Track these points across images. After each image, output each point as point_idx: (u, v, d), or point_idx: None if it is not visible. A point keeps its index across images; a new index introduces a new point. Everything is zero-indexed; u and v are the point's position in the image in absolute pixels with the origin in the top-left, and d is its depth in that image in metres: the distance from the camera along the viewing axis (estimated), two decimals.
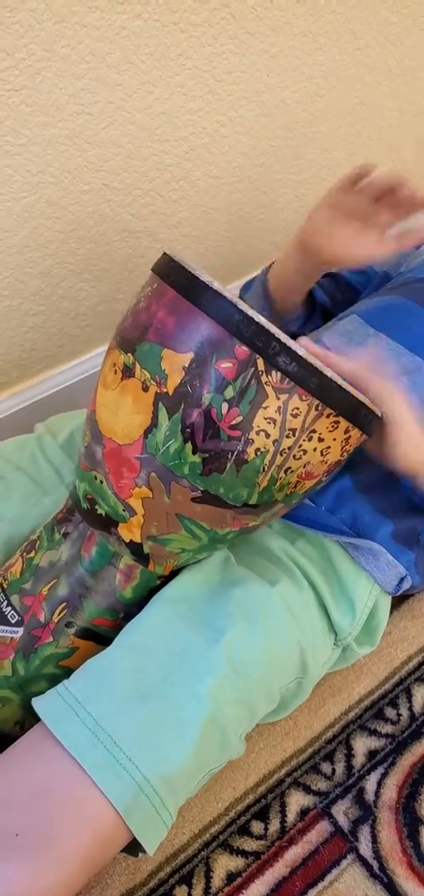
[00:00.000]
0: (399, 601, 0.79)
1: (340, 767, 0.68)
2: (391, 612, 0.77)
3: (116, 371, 0.54)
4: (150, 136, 0.84)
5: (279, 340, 0.49)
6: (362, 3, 0.94)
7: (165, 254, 0.55)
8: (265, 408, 0.50)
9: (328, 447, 0.53)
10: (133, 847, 0.55)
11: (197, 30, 0.81)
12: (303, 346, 0.52)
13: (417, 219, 0.69)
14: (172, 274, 0.52)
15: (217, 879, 0.62)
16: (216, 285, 0.50)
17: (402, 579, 0.67)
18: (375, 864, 0.62)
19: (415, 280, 0.82)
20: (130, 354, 0.53)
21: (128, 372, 0.53)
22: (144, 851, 0.54)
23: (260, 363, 0.49)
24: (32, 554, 0.61)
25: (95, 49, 0.75)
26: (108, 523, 0.57)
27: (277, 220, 1.03)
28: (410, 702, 0.72)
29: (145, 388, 0.52)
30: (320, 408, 0.50)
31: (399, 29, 1.01)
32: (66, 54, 0.74)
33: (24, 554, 0.62)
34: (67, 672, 0.58)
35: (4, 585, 0.61)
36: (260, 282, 0.82)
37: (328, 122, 1.00)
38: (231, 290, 0.65)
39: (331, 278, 0.95)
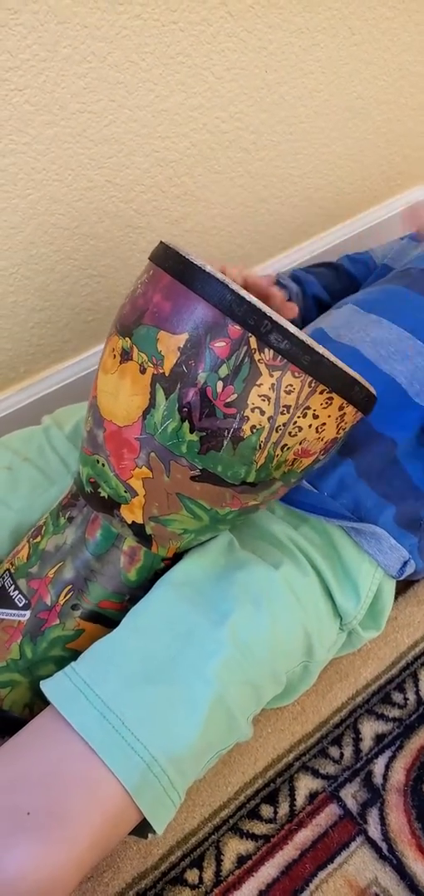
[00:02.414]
0: (404, 587, 0.80)
1: (348, 751, 0.68)
2: (396, 598, 0.77)
3: (114, 356, 0.56)
4: (151, 133, 0.85)
5: (270, 318, 0.50)
6: (357, 0, 0.95)
7: (161, 242, 0.56)
8: (259, 385, 0.51)
9: (324, 424, 0.53)
10: (142, 829, 0.55)
11: (196, 28, 0.83)
12: None
13: None
14: (167, 260, 0.54)
15: (228, 862, 0.62)
16: (209, 268, 0.51)
17: (405, 563, 0.67)
18: (384, 847, 0.62)
19: (413, 269, 0.83)
20: (127, 339, 0.54)
21: (126, 356, 0.54)
22: (153, 832, 0.55)
23: (253, 341, 0.50)
24: (39, 539, 0.62)
25: (97, 49, 0.77)
26: (110, 505, 0.58)
27: (277, 215, 1.04)
28: (417, 686, 0.72)
29: (143, 371, 0.53)
30: (313, 384, 0.51)
31: (396, 24, 1.02)
32: (68, 54, 0.75)
33: (31, 539, 0.63)
34: (74, 654, 0.59)
35: (12, 570, 0.62)
36: None
37: (327, 117, 1.01)
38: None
39: (331, 268, 0.95)
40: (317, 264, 0.97)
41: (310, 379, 0.51)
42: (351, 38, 0.97)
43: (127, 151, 0.84)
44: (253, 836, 0.64)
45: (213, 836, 0.64)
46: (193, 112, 0.87)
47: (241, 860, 0.62)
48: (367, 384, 0.55)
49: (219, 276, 0.51)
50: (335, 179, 1.08)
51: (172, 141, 0.87)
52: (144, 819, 0.53)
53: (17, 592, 0.61)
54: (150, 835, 0.56)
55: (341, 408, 0.53)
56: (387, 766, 0.67)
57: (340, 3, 0.94)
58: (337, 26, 0.95)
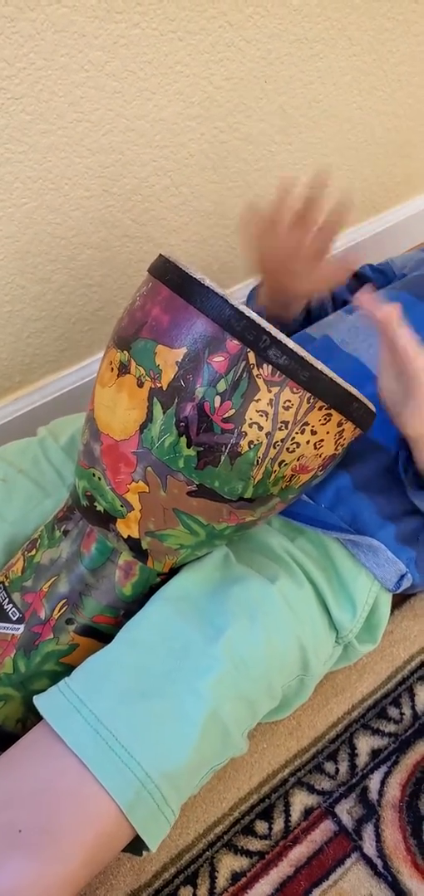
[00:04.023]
0: (400, 601, 0.79)
1: (343, 767, 0.68)
2: (392, 612, 0.77)
3: (112, 369, 0.55)
4: (149, 142, 0.85)
5: (269, 334, 0.50)
6: (357, 10, 0.95)
7: (160, 255, 0.56)
8: (257, 400, 0.51)
9: (322, 440, 0.53)
10: (136, 845, 0.55)
11: (195, 38, 0.83)
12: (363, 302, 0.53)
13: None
14: (166, 273, 0.53)
15: (222, 879, 0.62)
16: (208, 282, 0.51)
17: (402, 576, 0.67)
18: (379, 863, 0.62)
19: (421, 276, 0.83)
20: (125, 352, 0.54)
21: (124, 369, 0.54)
22: (147, 849, 0.54)
23: (251, 357, 0.50)
24: (33, 552, 0.62)
25: (94, 58, 0.77)
26: (106, 519, 0.58)
27: None
28: (412, 701, 0.72)
29: (140, 384, 0.53)
30: (311, 400, 0.51)
31: (395, 35, 1.02)
32: (65, 63, 0.75)
33: (26, 552, 0.63)
34: (68, 669, 0.59)
35: (6, 584, 0.61)
36: (253, 301, 0.84)
37: (326, 128, 1.01)
38: (231, 295, 0.65)
39: (352, 276, 0.95)
40: None
41: (309, 395, 0.51)
42: (351, 48, 0.97)
43: (125, 161, 0.84)
44: (248, 853, 0.63)
45: (207, 853, 0.63)
46: (191, 122, 0.87)
47: (235, 877, 0.62)
48: (366, 400, 0.54)
49: (218, 290, 0.51)
50: (333, 190, 1.08)
51: (170, 150, 0.87)
52: (138, 835, 0.53)
53: (11, 606, 0.60)
54: (144, 851, 0.56)
55: (339, 424, 0.53)
56: (383, 782, 0.67)
57: (340, 14, 0.94)
58: (337, 37, 0.95)
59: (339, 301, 0.90)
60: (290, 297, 0.79)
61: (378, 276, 0.94)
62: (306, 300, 0.83)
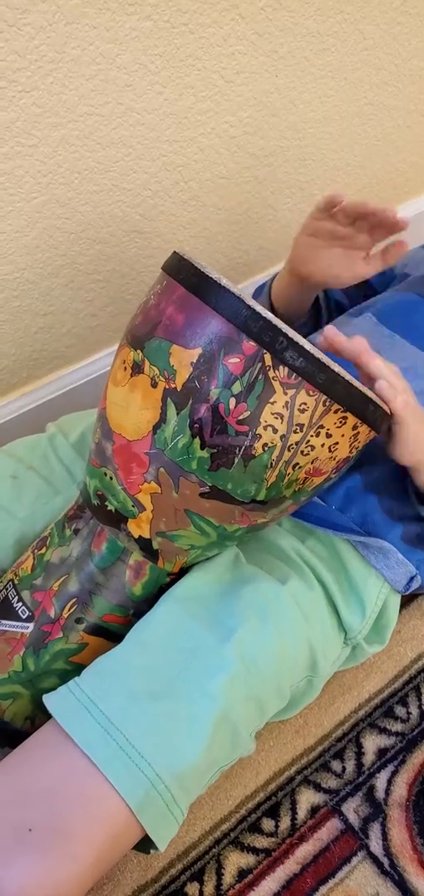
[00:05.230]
0: (408, 600, 0.79)
1: (350, 765, 0.68)
2: (400, 611, 0.77)
3: (125, 368, 0.55)
4: (159, 136, 0.84)
5: (286, 336, 0.49)
6: (370, 4, 0.94)
7: (175, 252, 0.55)
8: (273, 403, 0.50)
9: (337, 443, 0.53)
10: (144, 843, 0.55)
11: (206, 31, 0.82)
12: (327, 335, 0.53)
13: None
14: (181, 272, 0.53)
15: (228, 876, 0.62)
16: (225, 281, 0.51)
17: (412, 578, 0.67)
18: (385, 862, 0.62)
19: None
20: (139, 351, 0.53)
21: (137, 368, 0.53)
22: (155, 848, 0.54)
23: (267, 358, 0.50)
24: (43, 550, 0.61)
25: (106, 50, 0.76)
26: (117, 519, 0.57)
27: (285, 221, 1.04)
28: (420, 700, 0.72)
29: (154, 385, 0.52)
30: (327, 403, 0.51)
31: (407, 29, 1.01)
32: (76, 56, 0.74)
33: (36, 550, 0.62)
34: (77, 668, 0.59)
35: (15, 581, 0.61)
36: (266, 294, 0.83)
37: (336, 123, 1.00)
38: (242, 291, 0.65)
39: None
40: None
41: (325, 398, 0.51)
42: (362, 42, 0.96)
43: (134, 155, 0.83)
44: (254, 850, 0.63)
45: (214, 850, 0.63)
46: (201, 116, 0.86)
47: (242, 874, 0.62)
48: (381, 403, 0.54)
49: (235, 290, 0.50)
50: (342, 186, 1.08)
51: (179, 145, 0.86)
52: (147, 834, 0.53)
53: (20, 604, 0.60)
54: (151, 850, 0.56)
55: (355, 427, 0.53)
56: (389, 781, 0.67)
57: (352, 7, 0.93)
58: (349, 30, 0.94)
59: (332, 300, 0.90)
60: (309, 287, 0.79)
61: (376, 277, 0.93)
62: (316, 292, 0.82)
